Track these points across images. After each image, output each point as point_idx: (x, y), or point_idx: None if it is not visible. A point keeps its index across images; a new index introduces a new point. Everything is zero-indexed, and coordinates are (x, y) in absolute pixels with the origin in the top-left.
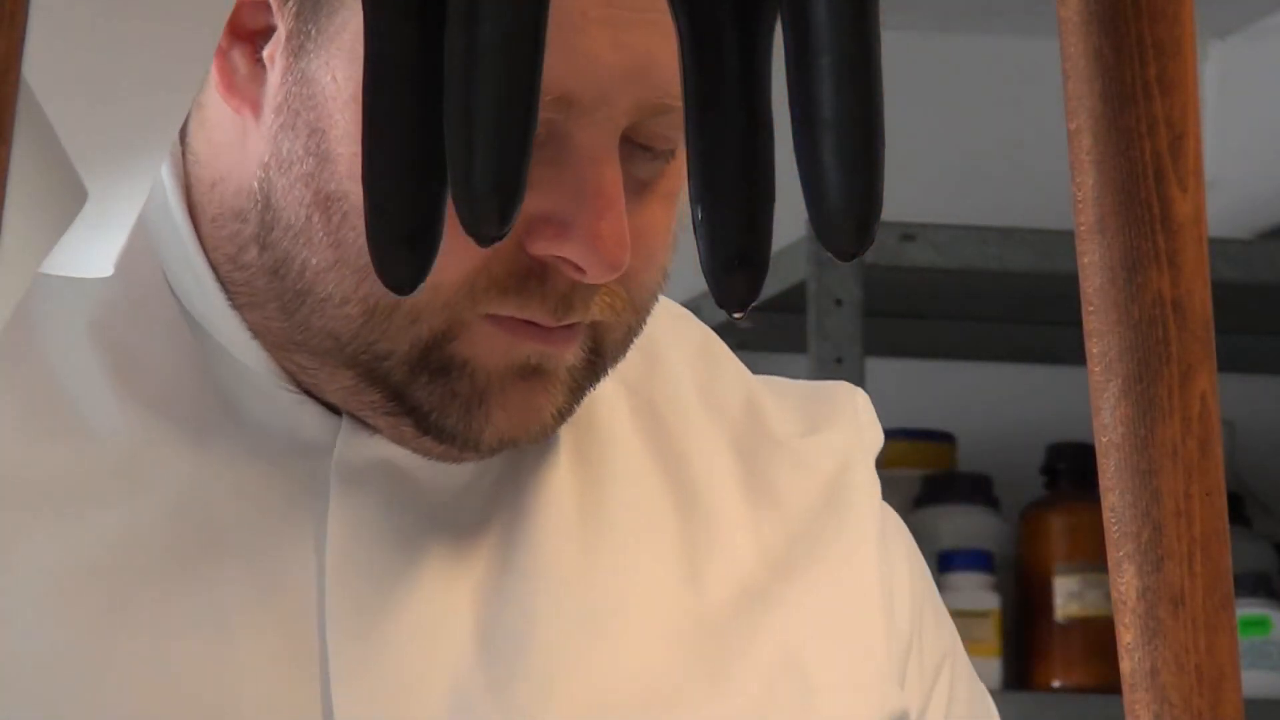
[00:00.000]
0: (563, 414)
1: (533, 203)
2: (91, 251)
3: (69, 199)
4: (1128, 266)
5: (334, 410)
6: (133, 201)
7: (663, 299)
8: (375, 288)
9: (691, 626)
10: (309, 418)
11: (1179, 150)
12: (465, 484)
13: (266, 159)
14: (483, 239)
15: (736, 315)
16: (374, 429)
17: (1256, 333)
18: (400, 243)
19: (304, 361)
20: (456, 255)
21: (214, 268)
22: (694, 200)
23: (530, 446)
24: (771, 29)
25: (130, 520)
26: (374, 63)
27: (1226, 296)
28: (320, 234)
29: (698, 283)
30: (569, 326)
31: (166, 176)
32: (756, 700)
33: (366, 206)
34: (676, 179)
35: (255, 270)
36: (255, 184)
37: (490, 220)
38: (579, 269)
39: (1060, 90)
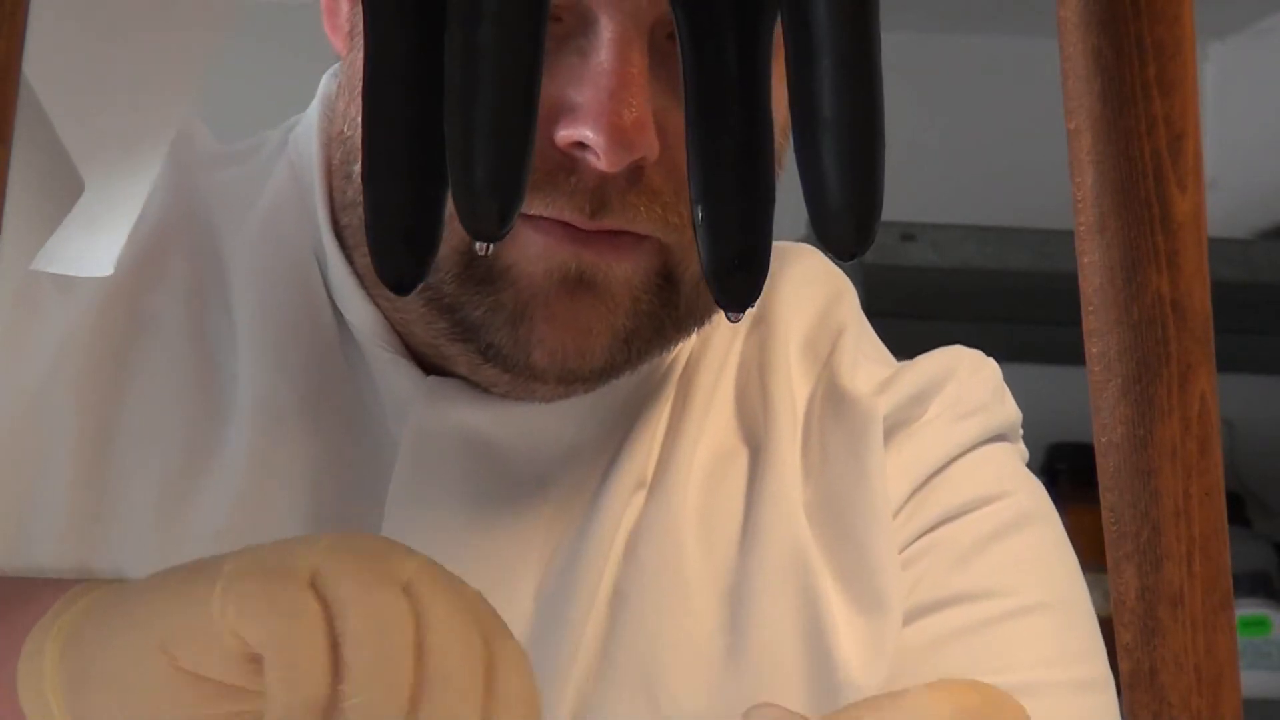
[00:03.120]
0: (629, 339)
1: (559, 91)
2: (92, 251)
3: (67, 195)
4: (1127, 266)
5: (433, 372)
6: (131, 202)
7: (806, 254)
8: None
9: (732, 585)
10: (401, 378)
11: (1178, 150)
12: (561, 454)
13: (347, 89)
14: (482, 237)
15: (736, 315)
16: (458, 376)
17: (1256, 333)
18: (399, 242)
19: (390, 294)
20: None
21: (335, 217)
22: (694, 200)
23: (634, 414)
24: (771, 29)
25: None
26: (374, 63)
27: (1226, 296)
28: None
29: None
30: (613, 234)
31: (315, 133)
32: (770, 671)
33: (366, 206)
34: None
35: (351, 206)
36: (345, 118)
37: (490, 219)
38: (595, 153)
39: (1060, 90)
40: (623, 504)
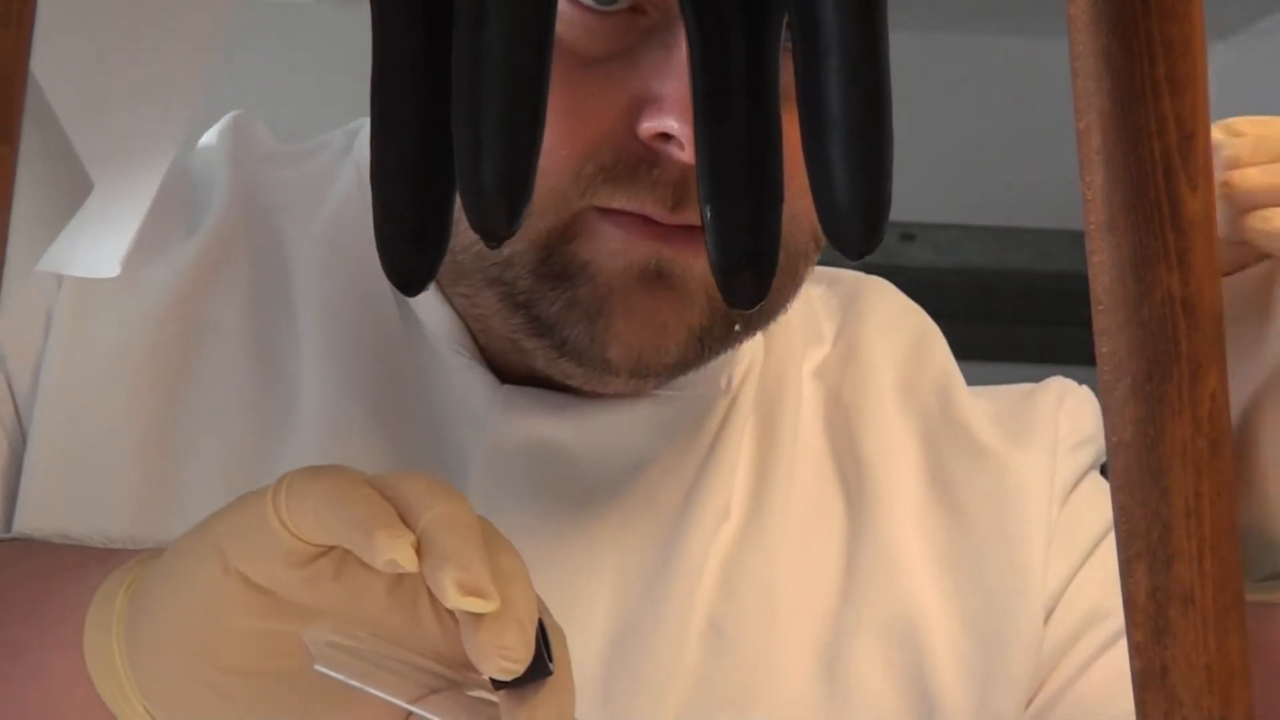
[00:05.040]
0: (703, 337)
1: (644, 84)
2: (99, 251)
3: (75, 194)
4: (1137, 265)
5: (507, 374)
6: (139, 202)
7: (886, 290)
8: None
9: (830, 641)
10: (476, 385)
11: (1188, 149)
12: (629, 466)
13: None
14: (490, 236)
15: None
16: (533, 373)
17: None
18: (407, 241)
19: (465, 290)
20: (564, 142)
21: None
22: (703, 200)
23: (710, 434)
24: (779, 30)
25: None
26: (382, 63)
27: None
28: None
29: None
30: (690, 229)
31: None
32: None
33: (375, 205)
34: None
35: None
36: None
37: (498, 219)
38: (680, 143)
39: (1062, 90)
40: (709, 534)
